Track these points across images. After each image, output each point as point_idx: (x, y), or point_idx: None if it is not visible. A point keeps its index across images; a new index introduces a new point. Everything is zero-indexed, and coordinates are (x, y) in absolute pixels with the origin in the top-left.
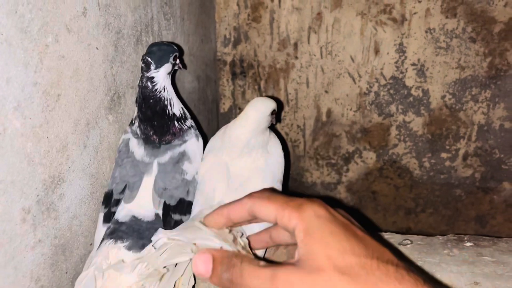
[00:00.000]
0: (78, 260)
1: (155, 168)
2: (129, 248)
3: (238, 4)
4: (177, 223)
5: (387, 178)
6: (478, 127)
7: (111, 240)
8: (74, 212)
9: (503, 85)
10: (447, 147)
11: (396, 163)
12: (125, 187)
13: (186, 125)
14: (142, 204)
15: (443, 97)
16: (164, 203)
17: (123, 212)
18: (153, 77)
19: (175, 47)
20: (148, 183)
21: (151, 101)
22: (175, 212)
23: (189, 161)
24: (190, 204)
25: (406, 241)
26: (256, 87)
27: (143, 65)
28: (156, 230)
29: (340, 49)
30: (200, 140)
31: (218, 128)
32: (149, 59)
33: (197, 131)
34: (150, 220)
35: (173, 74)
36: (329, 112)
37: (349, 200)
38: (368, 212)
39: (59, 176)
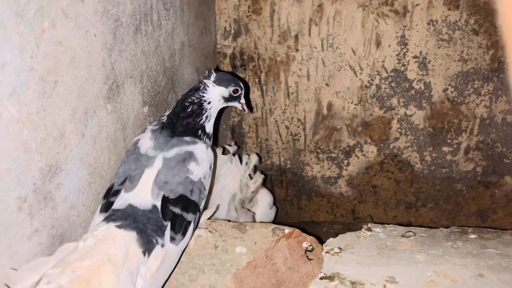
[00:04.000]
0: None
1: (158, 162)
2: (120, 226)
3: None
4: (176, 216)
5: (388, 172)
6: (480, 121)
7: (103, 222)
8: (72, 202)
9: (505, 78)
10: (449, 141)
11: (397, 157)
12: (125, 179)
13: (206, 139)
14: (140, 194)
15: (445, 90)
16: (163, 195)
17: (120, 201)
18: (207, 86)
19: (241, 85)
20: (149, 175)
21: (195, 102)
22: (175, 205)
23: (196, 163)
24: (194, 204)
25: (409, 233)
26: (257, 80)
27: (206, 72)
28: (151, 219)
29: (341, 41)
30: (211, 152)
31: (218, 122)
32: (213, 72)
33: (210, 148)
34: (147, 209)
35: (221, 110)
36: (329, 106)
37: (350, 194)
38: (368, 206)
39: (56, 165)
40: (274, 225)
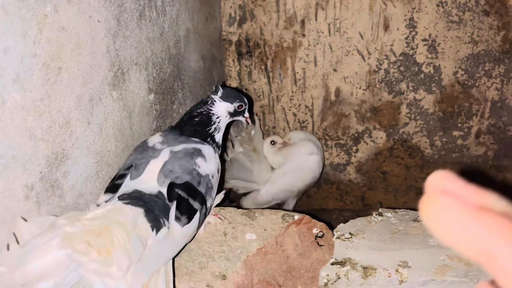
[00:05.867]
0: None
1: (165, 154)
2: (127, 203)
3: None
4: (182, 198)
5: (398, 158)
6: (492, 104)
7: (110, 199)
8: (80, 190)
9: None
10: (459, 125)
11: (407, 143)
12: (131, 166)
13: (215, 146)
14: (146, 181)
15: (455, 73)
16: (169, 182)
17: (125, 188)
18: (214, 101)
19: (246, 100)
20: (154, 165)
21: (203, 114)
22: (181, 189)
23: (203, 159)
24: (201, 195)
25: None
26: (263, 67)
27: (214, 88)
28: (158, 202)
29: (349, 25)
30: (217, 157)
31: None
32: (220, 88)
33: (218, 156)
34: (153, 193)
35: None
36: (337, 91)
37: (359, 181)
38: (378, 193)
39: (62, 153)
40: (283, 212)
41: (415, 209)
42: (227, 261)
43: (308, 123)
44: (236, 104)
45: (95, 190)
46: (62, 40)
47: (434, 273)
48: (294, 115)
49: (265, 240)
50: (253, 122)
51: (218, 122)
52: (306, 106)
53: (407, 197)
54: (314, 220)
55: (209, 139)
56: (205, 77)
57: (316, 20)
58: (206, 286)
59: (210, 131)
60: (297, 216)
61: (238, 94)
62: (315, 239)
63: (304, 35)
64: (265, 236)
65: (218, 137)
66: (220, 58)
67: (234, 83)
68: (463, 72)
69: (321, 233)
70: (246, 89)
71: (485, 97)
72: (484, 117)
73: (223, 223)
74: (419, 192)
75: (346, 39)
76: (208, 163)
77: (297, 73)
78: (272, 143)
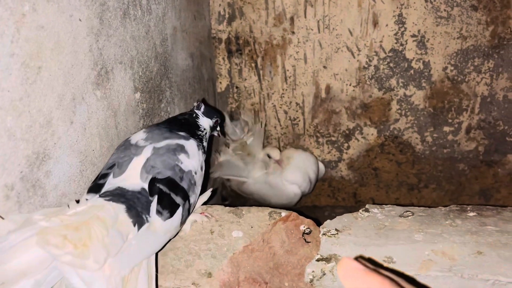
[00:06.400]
0: None
1: (148, 151)
2: (109, 200)
3: None
4: (163, 193)
5: (389, 154)
6: (481, 99)
7: (91, 196)
8: (63, 190)
9: (506, 55)
10: (450, 121)
11: (398, 139)
12: (114, 165)
13: (201, 145)
14: (129, 179)
15: (444, 68)
16: (151, 177)
17: (108, 186)
18: (198, 116)
19: (220, 116)
20: (137, 163)
21: (190, 121)
22: (163, 184)
23: (186, 155)
24: (183, 191)
25: (407, 212)
26: (253, 64)
27: (195, 104)
28: (140, 199)
29: (338, 22)
30: (200, 154)
31: (215, 107)
32: (203, 104)
33: (204, 154)
34: (136, 190)
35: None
36: (328, 88)
37: (351, 177)
38: (370, 189)
39: (44, 153)
40: (270, 209)
41: (402, 204)
42: (213, 259)
43: (299, 121)
44: (214, 120)
45: (79, 190)
46: (41, 39)
47: (418, 268)
48: (285, 112)
49: (252, 237)
50: (223, 135)
51: (205, 134)
52: (297, 104)
53: (399, 193)
54: (301, 217)
55: (196, 136)
56: (194, 76)
57: (305, 17)
58: (192, 284)
59: (199, 134)
60: (284, 213)
61: (216, 112)
62: (303, 235)
63: (293, 32)
64: (252, 233)
65: (205, 144)
66: (209, 56)
67: (224, 81)
68: (452, 68)
69: (308, 229)
70: (237, 87)
71: (475, 92)
72: (474, 112)
73: (210, 221)
74: (411, 188)
75: (336, 35)
76: (191, 160)
77: (287, 70)
78: (268, 156)
